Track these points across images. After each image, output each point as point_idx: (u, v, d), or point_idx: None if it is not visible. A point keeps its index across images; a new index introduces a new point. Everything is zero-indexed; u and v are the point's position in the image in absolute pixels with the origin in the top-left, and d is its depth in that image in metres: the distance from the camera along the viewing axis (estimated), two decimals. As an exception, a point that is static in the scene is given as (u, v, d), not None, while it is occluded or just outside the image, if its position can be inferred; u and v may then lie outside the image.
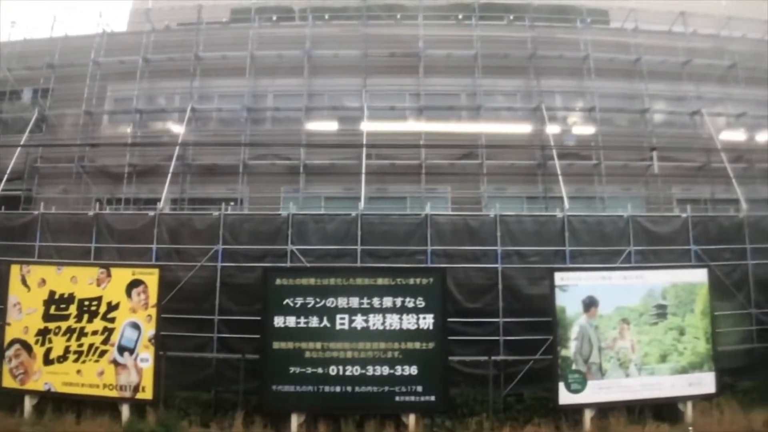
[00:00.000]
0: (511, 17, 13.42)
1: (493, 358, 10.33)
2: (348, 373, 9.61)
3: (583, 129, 13.04)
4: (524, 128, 12.64)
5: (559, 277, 10.06)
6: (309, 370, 9.61)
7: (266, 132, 12.57)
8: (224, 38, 12.91)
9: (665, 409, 10.32)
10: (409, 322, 9.74)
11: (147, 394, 9.83)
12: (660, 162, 12.95)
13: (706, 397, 10.32)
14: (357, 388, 9.58)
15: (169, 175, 11.25)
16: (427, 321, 9.75)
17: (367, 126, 11.99)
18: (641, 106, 13.36)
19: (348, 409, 9.59)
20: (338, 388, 9.57)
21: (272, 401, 9.60)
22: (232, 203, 12.24)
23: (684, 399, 10.21)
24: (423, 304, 9.76)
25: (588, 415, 9.88)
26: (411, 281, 9.83)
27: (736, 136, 13.74)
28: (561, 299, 10.02)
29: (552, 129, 12.47)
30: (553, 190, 12.69)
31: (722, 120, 13.75)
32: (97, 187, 12.33)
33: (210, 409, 10.09)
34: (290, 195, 11.87)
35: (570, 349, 9.92)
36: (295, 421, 9.53)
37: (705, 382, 10.30)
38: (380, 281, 9.84)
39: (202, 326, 10.80)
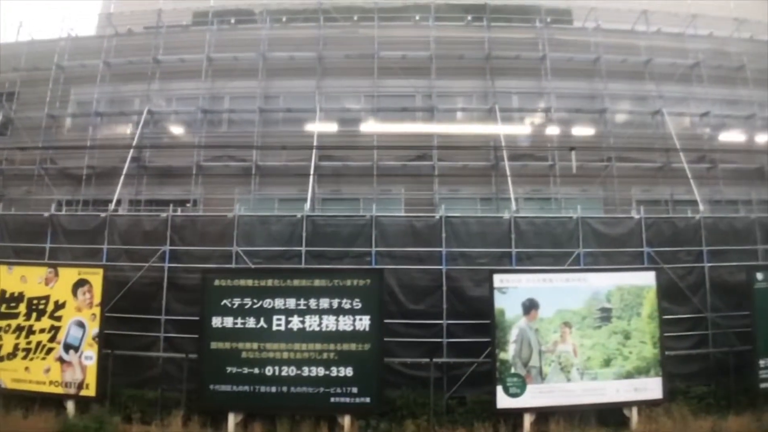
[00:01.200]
0: (469, 18, 13.26)
1: (434, 360, 10.22)
2: (284, 373, 9.62)
3: (539, 130, 12.81)
4: (478, 129, 12.47)
5: (499, 279, 9.92)
6: (245, 370, 9.65)
7: (221, 134, 12.65)
8: (183, 41, 13.03)
9: (610, 414, 10.10)
10: (345, 323, 9.70)
11: (90, 391, 10.01)
12: (619, 163, 12.72)
13: (652, 403, 10.07)
14: (292, 389, 9.58)
15: (122, 177, 11.38)
16: (364, 322, 9.70)
17: (319, 127, 11.98)
18: (601, 106, 13.10)
19: (283, 410, 9.58)
20: (274, 389, 9.59)
21: (209, 400, 9.65)
22: (188, 204, 12.37)
23: (629, 404, 10.00)
24: (360, 305, 9.72)
25: (528, 419, 9.71)
26: (348, 283, 9.80)
27: (698, 135, 13.37)
28: (500, 301, 9.88)
29: (505, 130, 12.28)
30: (507, 191, 12.51)
31: (685, 120, 13.40)
32: (58, 189, 12.52)
33: (153, 407, 10.14)
34: (243, 197, 11.90)
35: (509, 353, 9.77)
36: (232, 420, 9.56)
37: (651, 388, 10.05)
38: (317, 283, 9.83)
39: (151, 326, 10.88)
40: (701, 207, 11.70)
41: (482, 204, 12.40)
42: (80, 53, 13.19)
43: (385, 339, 10.49)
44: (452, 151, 12.20)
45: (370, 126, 12.22)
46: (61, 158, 12.74)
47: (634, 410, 9.96)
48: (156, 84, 12.67)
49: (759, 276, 10.93)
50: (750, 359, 10.49)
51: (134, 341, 10.78)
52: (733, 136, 13.61)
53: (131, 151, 11.62)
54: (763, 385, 10.50)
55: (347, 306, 9.67)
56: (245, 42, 12.70)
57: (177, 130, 12.72)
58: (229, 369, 9.60)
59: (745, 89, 13.62)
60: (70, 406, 9.99)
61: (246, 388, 9.57)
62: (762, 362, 10.56)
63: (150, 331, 10.85)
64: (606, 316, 10.10)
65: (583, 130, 12.73)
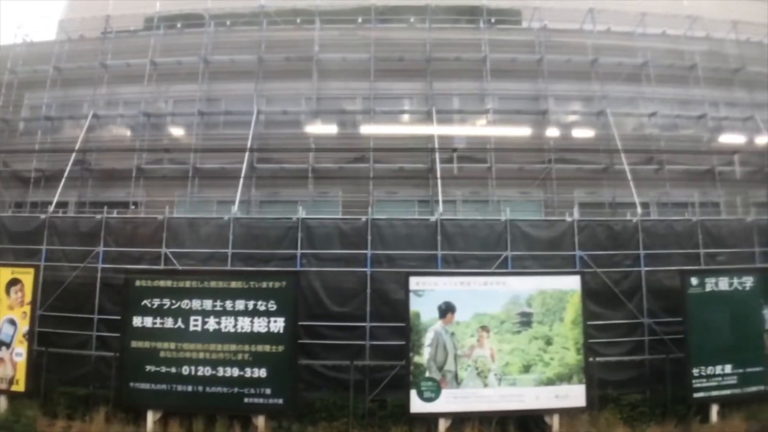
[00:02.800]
0: (412, 20, 13.17)
1: (355, 363, 10.17)
2: (200, 373, 9.71)
3: (478, 131, 12.63)
4: (416, 131, 12.37)
5: (415, 282, 9.84)
6: (164, 369, 9.76)
7: (163, 137, 12.85)
8: (131, 46, 13.27)
9: (531, 421, 9.91)
10: (260, 325, 9.75)
11: (20, 386, 10.28)
12: (561, 164, 12.45)
13: (574, 411, 9.82)
14: (208, 389, 9.67)
15: (63, 180, 11.63)
16: (278, 324, 9.73)
17: (258, 130, 12.08)
18: (544, 107, 12.85)
19: (199, 409, 9.67)
20: (190, 388, 9.68)
21: (129, 398, 9.81)
22: (133, 206, 12.59)
23: (551, 412, 9.77)
24: (275, 307, 9.75)
25: (443, 425, 9.61)
26: (264, 285, 9.84)
27: (647, 137, 12.99)
28: (416, 304, 9.79)
29: (442, 131, 12.16)
30: (446, 193, 12.39)
31: (633, 121, 13.04)
32: (9, 192, 12.90)
33: (83, 404, 10.33)
34: (182, 199, 12.06)
35: (423, 356, 9.67)
36: (150, 417, 9.70)
37: (574, 395, 9.80)
38: (234, 284, 9.90)
39: (86, 324, 11.10)
40: (639, 209, 11.36)
41: (420, 206, 12.27)
42: (35, 59, 13.56)
43: (309, 341, 10.64)
44: (390, 153, 12.11)
45: (308, 128, 12.22)
46: (14, 161, 13.12)
47: (556, 418, 9.75)
48: (104, 89, 12.93)
49: (693, 281, 10.60)
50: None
51: (70, 339, 11.03)
52: (683, 136, 13.19)
53: (74, 154, 11.85)
54: (696, 395, 10.18)
55: (262, 308, 9.72)
56: (189, 46, 12.88)
57: (121, 133, 12.96)
58: (148, 368, 9.74)
59: (697, 89, 13.19)
60: (3, 401, 10.26)
61: (164, 386, 9.69)
62: (695, 371, 10.25)
63: (85, 330, 11.07)
64: (526, 320, 9.91)
65: (524, 132, 12.46)
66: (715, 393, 10.29)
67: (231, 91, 12.68)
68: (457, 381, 9.62)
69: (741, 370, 10.48)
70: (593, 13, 13.14)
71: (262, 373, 9.60)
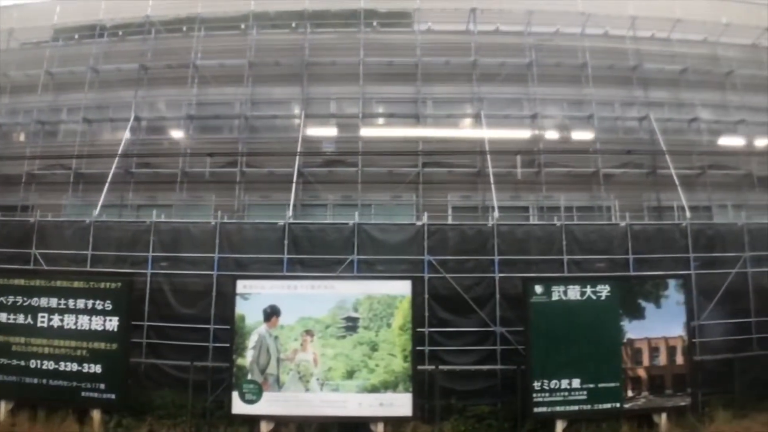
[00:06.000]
0: (294, 24, 13.33)
1: (195, 363, 10.45)
2: (44, 367, 10.42)
3: (349, 135, 12.65)
4: (289, 134, 12.54)
5: (242, 285, 10.13)
6: (14, 362, 10.54)
7: (57, 143, 13.67)
8: (33, 57, 14.17)
9: (357, 428, 9.83)
10: (97, 323, 10.33)
11: None
12: (432, 168, 12.25)
13: (399, 420, 9.69)
14: (51, 382, 10.35)
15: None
16: (113, 323, 10.24)
17: (139, 135, 12.70)
18: (422, 110, 12.73)
19: (44, 400, 10.33)
20: (36, 380, 10.40)
21: (-18, 390, 10.57)
22: (24, 210, 13.44)
23: (375, 420, 9.66)
24: (111, 307, 10.26)
25: (264, 427, 9.80)
26: (102, 285, 10.41)
27: (534, 139, 12.55)
28: (242, 307, 10.06)
29: (315, 134, 12.26)
30: (319, 197, 12.50)
31: (511, 122, 12.66)
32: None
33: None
34: (68, 203, 12.83)
35: (246, 359, 9.85)
36: (3, 407, 10.46)
37: (400, 404, 9.75)
38: (76, 284, 10.50)
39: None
40: (497, 213, 11.01)
41: (296, 211, 12.41)
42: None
43: (156, 341, 11.09)
44: (263, 158, 12.36)
45: (182, 134, 12.67)
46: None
47: (380, 426, 9.65)
48: (6, 98, 13.94)
49: (538, 289, 10.18)
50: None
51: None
52: (569, 138, 12.63)
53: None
54: (537, 409, 9.80)
55: (100, 307, 10.26)
56: (82, 56, 13.71)
57: (17, 140, 13.96)
58: (0, 360, 10.43)
59: (587, 88, 12.66)
60: None
61: (14, 378, 10.40)
62: (537, 384, 9.84)
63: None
64: (352, 325, 9.98)
65: (396, 134, 12.40)
66: (559, 408, 9.91)
67: (117, 98, 13.42)
68: (279, 384, 9.81)
69: (592, 386, 10.05)
70: (474, 13, 12.83)
71: (98, 369, 10.20)
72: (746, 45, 14.10)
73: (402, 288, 10.29)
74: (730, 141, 13.46)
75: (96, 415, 10.24)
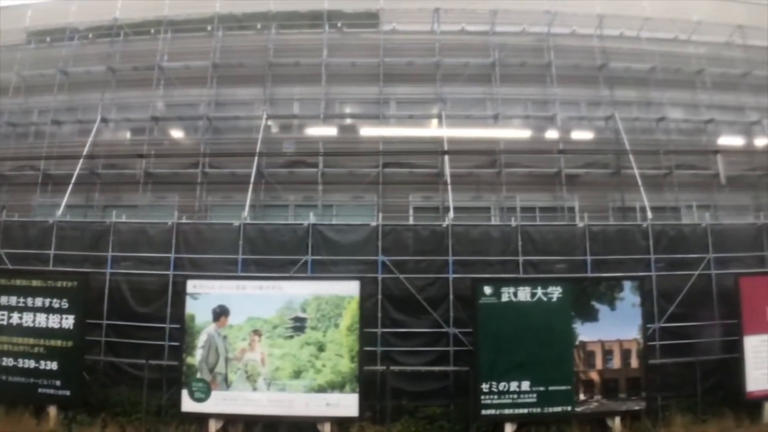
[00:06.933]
0: (259, 26, 13.46)
1: (150, 361, 10.61)
2: (4, 364, 10.71)
3: (312, 135, 12.73)
4: (252, 136, 12.67)
5: (192, 285, 10.35)
6: (-22, 358, 10.80)
7: (28, 145, 14.00)
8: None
9: (306, 428, 9.91)
10: (53, 321, 10.63)
11: None
12: (394, 168, 12.28)
13: (346, 420, 9.75)
14: (11, 378, 10.63)
15: None
16: (69, 321, 10.50)
17: (104, 137, 13.00)
18: (383, 110, 12.77)
19: (4, 396, 10.60)
20: (-3, 377, 10.63)
21: (-53, 385, 10.90)
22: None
23: (321, 420, 9.75)
24: (67, 305, 10.50)
25: (213, 425, 9.96)
26: (59, 284, 10.69)
27: (495, 140, 12.50)
28: (192, 307, 10.24)
29: (278, 136, 12.38)
30: (279, 198, 12.61)
31: (474, 122, 12.62)
32: None
33: None
34: (37, 203, 13.16)
35: (196, 357, 10.01)
36: (-34, 403, 10.73)
37: (346, 404, 9.88)
38: (35, 283, 10.79)
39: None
40: (452, 214, 11.00)
41: (252, 211, 12.52)
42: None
43: (115, 340, 11.31)
44: (225, 159, 12.52)
45: (146, 135, 12.93)
46: None
47: (327, 426, 9.72)
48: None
49: (487, 290, 10.16)
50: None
51: None
52: (533, 138, 12.56)
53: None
54: (485, 411, 9.80)
55: (56, 305, 10.54)
56: (53, 59, 14.05)
57: None
58: (-37, 357, 10.77)
59: (553, 88, 12.58)
60: None
61: (-23, 374, 10.68)
62: (485, 386, 9.83)
63: None
64: (300, 326, 10.14)
65: (359, 134, 12.45)
66: (508, 411, 9.91)
67: (86, 100, 13.70)
68: (227, 383, 9.99)
69: (543, 388, 10.03)
70: (438, 13, 12.85)
71: (54, 366, 10.49)
72: (719, 43, 13.92)
73: (350, 288, 10.44)
74: (699, 140, 13.28)
75: (52, 411, 10.59)
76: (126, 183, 12.68)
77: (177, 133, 13.27)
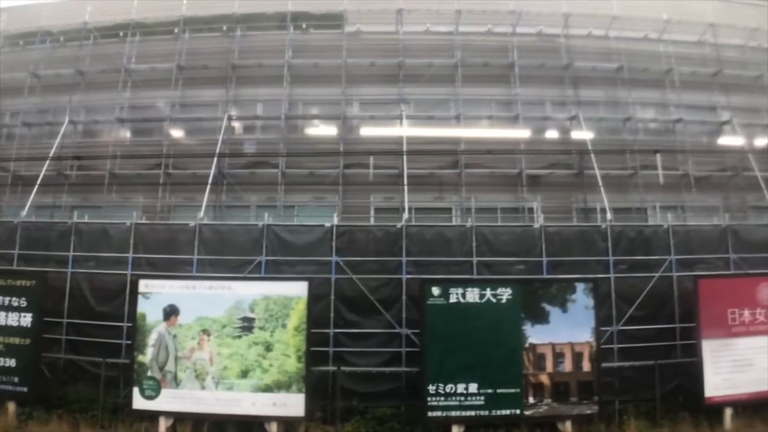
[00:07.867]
0: (225, 28, 13.62)
1: (107, 360, 10.82)
2: None
3: (275, 137, 12.87)
4: (213, 137, 12.82)
5: (144, 284, 10.55)
6: (-59, 355, 11.14)
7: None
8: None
9: (253, 427, 10.02)
10: (12, 319, 10.89)
11: None
12: (355, 169, 12.33)
13: (292, 420, 9.83)
14: None
15: None
16: (27, 319, 10.79)
17: (75, 139, 13.29)
18: (346, 111, 12.84)
19: (-36, 393, 10.86)
20: (-42, 373, 10.95)
21: None
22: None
23: (268, 419, 9.85)
24: (25, 304, 10.76)
25: (163, 423, 10.08)
26: (18, 283, 10.96)
27: (456, 140, 12.49)
28: (144, 306, 10.42)
29: (239, 137, 12.53)
30: (241, 199, 12.75)
31: (439, 123, 12.63)
32: None
33: None
34: (6, 204, 13.53)
35: (147, 356, 10.17)
36: (-75, 400, 11.10)
37: (292, 404, 9.99)
38: (-6, 282, 11.02)
39: None
40: (406, 215, 11.02)
41: (216, 212, 12.71)
42: None
43: (75, 338, 11.54)
44: (189, 159, 12.71)
45: (113, 136, 13.18)
46: None
47: (274, 425, 9.82)
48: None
49: (435, 290, 10.15)
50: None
51: None
52: (500, 138, 12.51)
53: None
54: (431, 413, 9.82)
55: (15, 304, 10.81)
56: (25, 62, 14.42)
57: None
58: (-71, 354, 11.11)
59: (516, 88, 12.53)
60: None
61: (-59, 371, 11.02)
62: (432, 388, 9.85)
63: None
64: (248, 325, 10.27)
65: (320, 135, 12.53)
66: (455, 413, 9.90)
67: (55, 102, 14.07)
68: (177, 382, 10.19)
69: (491, 391, 10.02)
70: (401, 14, 12.88)
71: (12, 363, 10.76)
72: (690, 42, 13.71)
73: (298, 289, 10.53)
74: (666, 140, 13.08)
75: (11, 407, 10.94)
76: (92, 184, 12.96)
77: (141, 135, 13.59)
